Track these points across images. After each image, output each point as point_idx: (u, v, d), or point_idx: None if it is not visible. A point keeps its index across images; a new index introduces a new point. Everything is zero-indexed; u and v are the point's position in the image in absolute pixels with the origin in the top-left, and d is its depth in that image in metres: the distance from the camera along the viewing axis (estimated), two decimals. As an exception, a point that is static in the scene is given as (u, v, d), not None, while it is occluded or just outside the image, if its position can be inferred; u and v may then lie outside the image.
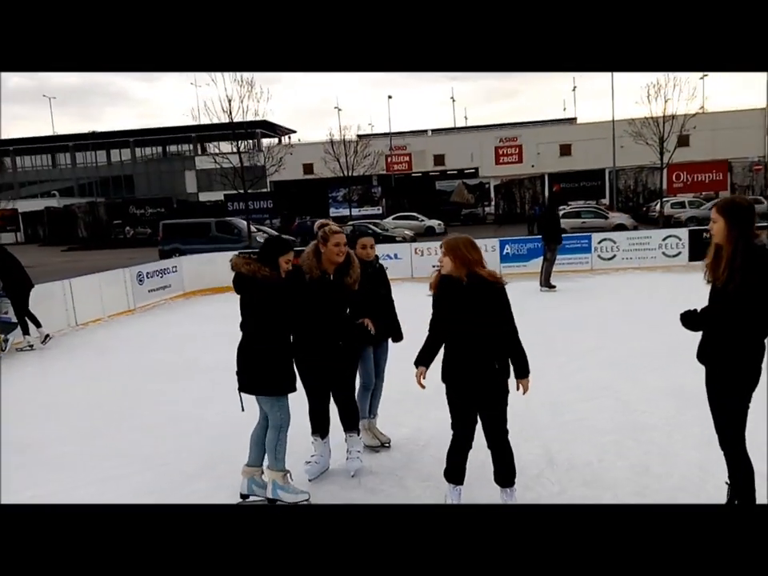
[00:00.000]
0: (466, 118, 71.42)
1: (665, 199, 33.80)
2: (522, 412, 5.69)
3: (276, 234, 27.14)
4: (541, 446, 5.19)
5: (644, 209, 38.59)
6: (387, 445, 5.39)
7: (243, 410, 4.42)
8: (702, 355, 3.59)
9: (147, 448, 5.70)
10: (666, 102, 30.29)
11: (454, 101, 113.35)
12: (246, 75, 22.44)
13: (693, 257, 14.85)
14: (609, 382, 6.78)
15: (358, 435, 5.01)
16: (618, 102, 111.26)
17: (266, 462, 4.45)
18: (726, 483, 3.62)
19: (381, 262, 5.29)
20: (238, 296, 4.34)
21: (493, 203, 45.70)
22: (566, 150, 57.80)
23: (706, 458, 4.66)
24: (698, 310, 3.58)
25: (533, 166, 55.38)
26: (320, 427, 4.95)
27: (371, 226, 29.22)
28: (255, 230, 25.04)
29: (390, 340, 5.28)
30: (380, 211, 43.92)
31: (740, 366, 3.39)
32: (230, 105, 22.72)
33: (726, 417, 3.50)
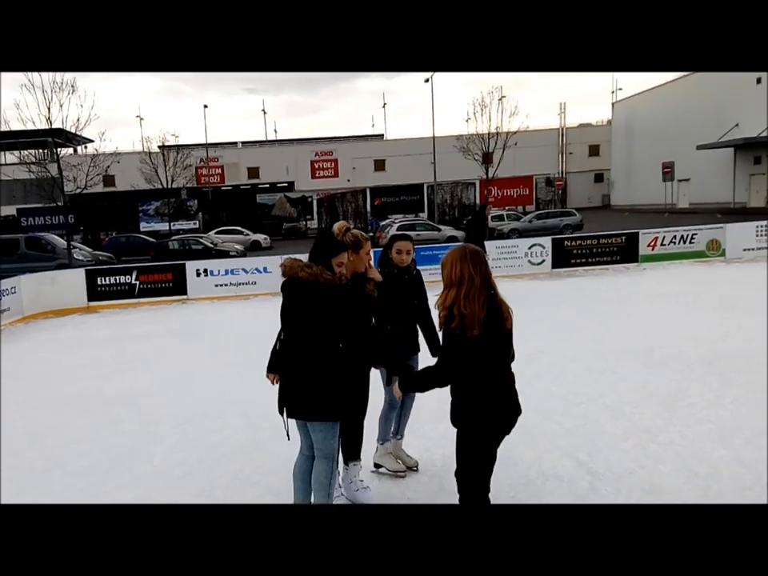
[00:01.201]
0: (276, 132, 71.58)
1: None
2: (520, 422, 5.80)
3: (90, 250, 24.91)
4: (567, 456, 5.13)
5: (464, 222, 41.62)
6: (415, 468, 5.02)
7: (289, 438, 4.03)
8: None
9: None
10: (490, 119, 33.18)
11: (265, 113, 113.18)
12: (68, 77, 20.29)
13: (555, 264, 16.07)
14: (576, 386, 6.90)
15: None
16: (424, 119, 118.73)
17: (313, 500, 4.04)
18: None
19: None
20: (282, 303, 3.91)
21: (316, 217, 46.30)
22: (380, 165, 60.45)
23: (736, 453, 4.92)
24: None
25: (348, 180, 57.19)
26: (358, 450, 4.63)
27: (202, 240, 28.02)
28: (73, 247, 22.78)
29: (419, 354, 4.89)
30: (196, 225, 42.39)
31: None
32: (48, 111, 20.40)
33: None
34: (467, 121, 33.98)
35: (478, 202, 39.50)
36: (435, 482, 4.84)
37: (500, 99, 34.56)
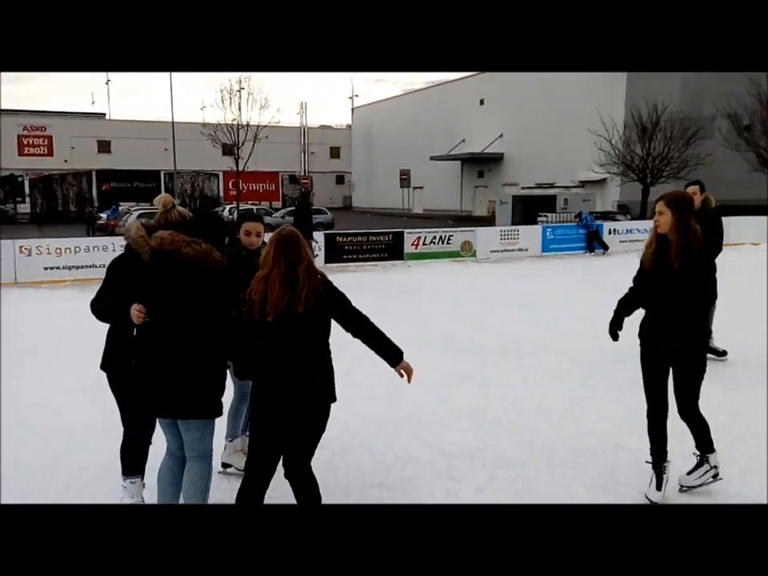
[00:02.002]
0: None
1: (229, 206, 35.97)
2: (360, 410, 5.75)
3: None
4: (415, 439, 5.22)
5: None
6: None
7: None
8: (664, 334, 3.96)
9: None
10: (239, 108, 32.54)
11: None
12: None
13: (328, 259, 16.04)
14: (394, 374, 6.92)
15: None
16: (159, 101, 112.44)
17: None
18: (695, 454, 4.17)
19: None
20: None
21: (29, 200, 41.11)
22: (104, 146, 55.97)
23: (556, 426, 5.41)
24: (630, 297, 4.18)
25: (66, 161, 51.94)
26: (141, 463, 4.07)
27: None
28: None
29: None
30: None
31: (706, 334, 4.27)
32: None
33: (698, 385, 4.02)
34: (203, 109, 33.06)
35: (221, 194, 38.69)
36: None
37: (239, 90, 34.00)
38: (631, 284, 4.28)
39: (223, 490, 4.36)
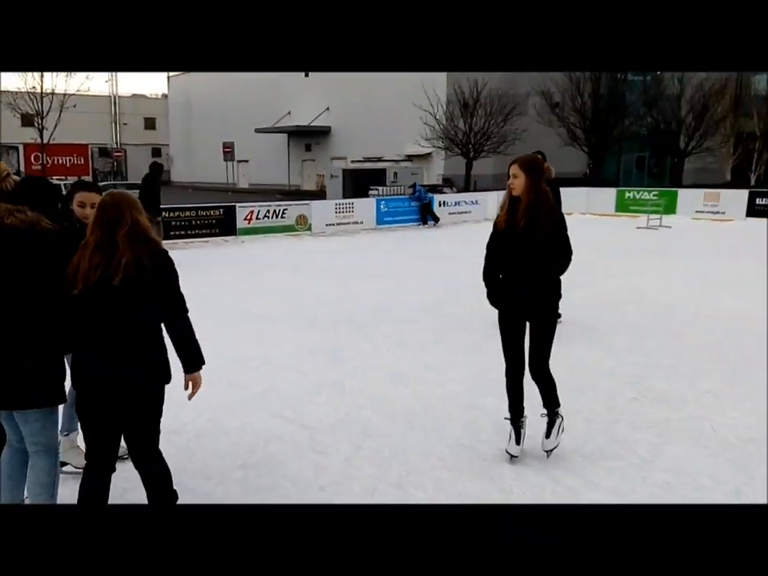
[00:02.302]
0: None
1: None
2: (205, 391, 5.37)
3: None
4: (275, 417, 5.09)
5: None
6: None
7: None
8: (517, 294, 4.07)
9: None
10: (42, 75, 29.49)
11: None
12: None
13: None
14: (244, 350, 6.80)
15: None
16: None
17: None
18: (544, 415, 4.28)
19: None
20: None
21: None
22: None
23: (413, 389, 5.55)
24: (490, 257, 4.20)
25: None
26: None
27: None
28: None
29: None
30: None
31: (557, 294, 4.22)
32: None
33: (549, 344, 4.16)
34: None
35: (22, 169, 35.08)
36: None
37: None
38: (484, 252, 4.34)
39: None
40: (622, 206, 21.20)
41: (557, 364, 4.38)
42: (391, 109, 37.59)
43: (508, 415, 4.33)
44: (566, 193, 23.34)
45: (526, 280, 4.08)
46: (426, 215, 19.93)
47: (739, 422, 4.78)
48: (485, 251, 4.30)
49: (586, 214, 21.54)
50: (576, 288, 9.35)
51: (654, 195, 20.41)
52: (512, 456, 4.31)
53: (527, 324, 4.22)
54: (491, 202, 21.56)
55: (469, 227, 19.67)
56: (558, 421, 4.30)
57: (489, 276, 4.29)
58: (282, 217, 17.38)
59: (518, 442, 4.31)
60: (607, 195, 21.94)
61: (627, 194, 21.44)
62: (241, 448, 4.62)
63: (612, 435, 4.63)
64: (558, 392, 4.34)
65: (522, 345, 4.22)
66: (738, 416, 4.87)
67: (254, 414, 5.19)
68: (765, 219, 16.71)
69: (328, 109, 43.20)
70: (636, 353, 6.49)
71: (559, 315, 7.48)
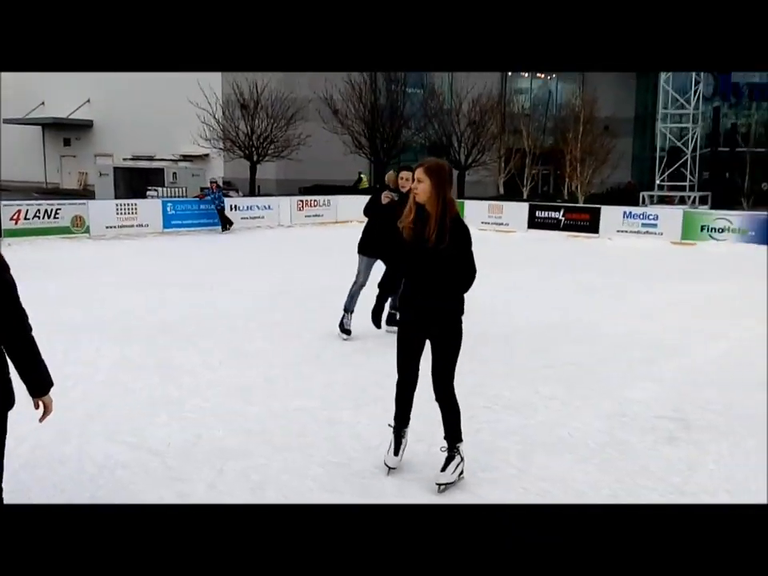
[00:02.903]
0: None
1: None
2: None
3: None
4: (113, 442, 4.56)
5: None
6: None
7: None
8: (420, 306, 3.92)
9: None
10: None
11: None
12: None
13: None
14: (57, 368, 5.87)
15: None
16: None
17: None
18: (443, 448, 4.06)
19: None
20: None
21: None
22: None
23: (265, 406, 5.24)
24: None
25: None
26: None
27: None
28: None
29: None
30: None
31: (461, 309, 3.99)
32: None
33: (454, 361, 3.98)
34: None
35: None
36: None
37: None
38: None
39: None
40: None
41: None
42: (162, 104, 35.80)
43: (392, 423, 4.26)
44: (358, 201, 23.97)
45: (429, 292, 3.95)
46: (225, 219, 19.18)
47: (590, 426, 5.06)
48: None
49: (377, 221, 22.34)
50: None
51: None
52: (390, 468, 4.22)
53: (427, 341, 4.08)
54: (284, 207, 21.51)
55: (264, 233, 19.39)
56: (457, 459, 4.07)
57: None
58: (54, 217, 15.70)
59: (396, 452, 4.24)
60: (397, 203, 22.89)
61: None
62: (83, 479, 4.05)
63: (480, 445, 4.65)
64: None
65: (418, 358, 4.11)
66: (588, 421, 5.14)
67: (88, 440, 4.58)
68: (544, 231, 18.65)
69: (89, 101, 40.04)
70: (473, 361, 6.76)
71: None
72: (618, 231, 18.32)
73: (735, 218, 16.90)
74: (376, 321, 7.27)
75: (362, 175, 30.53)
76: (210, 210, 19.24)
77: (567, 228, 18.88)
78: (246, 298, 9.63)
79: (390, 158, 30.89)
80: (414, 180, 3.92)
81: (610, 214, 18.78)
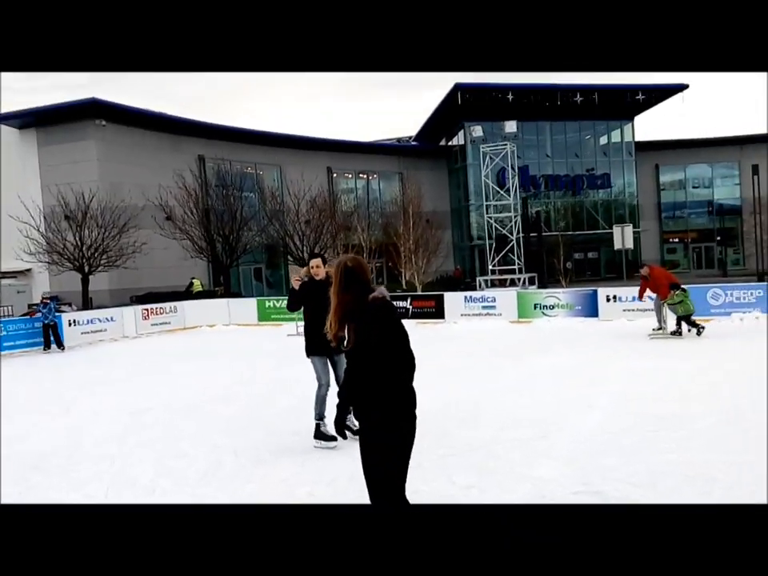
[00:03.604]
0: None
1: None
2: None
3: None
4: None
5: None
6: None
7: None
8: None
9: None
10: None
11: None
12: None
13: None
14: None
15: None
16: None
17: None
18: None
19: None
20: None
21: None
22: None
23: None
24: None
25: None
26: None
27: None
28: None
29: None
30: None
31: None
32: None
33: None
34: None
35: None
36: None
37: None
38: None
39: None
40: (264, 316, 21.97)
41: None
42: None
43: None
44: (206, 305, 23.31)
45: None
46: (50, 338, 17.39)
47: None
48: None
49: (230, 324, 21.76)
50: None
51: (291, 303, 21.61)
52: None
53: None
54: (128, 317, 20.35)
55: (108, 347, 18.11)
56: None
57: None
58: None
59: None
60: (247, 305, 22.57)
61: (267, 303, 22.32)
62: None
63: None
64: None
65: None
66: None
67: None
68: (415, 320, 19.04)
69: None
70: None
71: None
72: (461, 315, 19.20)
73: (562, 295, 18.39)
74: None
75: (193, 279, 29.61)
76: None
77: (415, 316, 19.47)
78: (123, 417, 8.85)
79: (232, 260, 30.53)
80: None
81: (452, 300, 19.70)
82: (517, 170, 32.59)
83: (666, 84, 40.82)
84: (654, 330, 14.12)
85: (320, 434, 6.87)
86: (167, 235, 29.42)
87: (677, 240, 49.95)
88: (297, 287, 7.03)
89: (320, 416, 6.94)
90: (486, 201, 31.51)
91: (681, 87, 40.60)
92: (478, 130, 31.64)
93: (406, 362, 3.54)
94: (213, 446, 7.17)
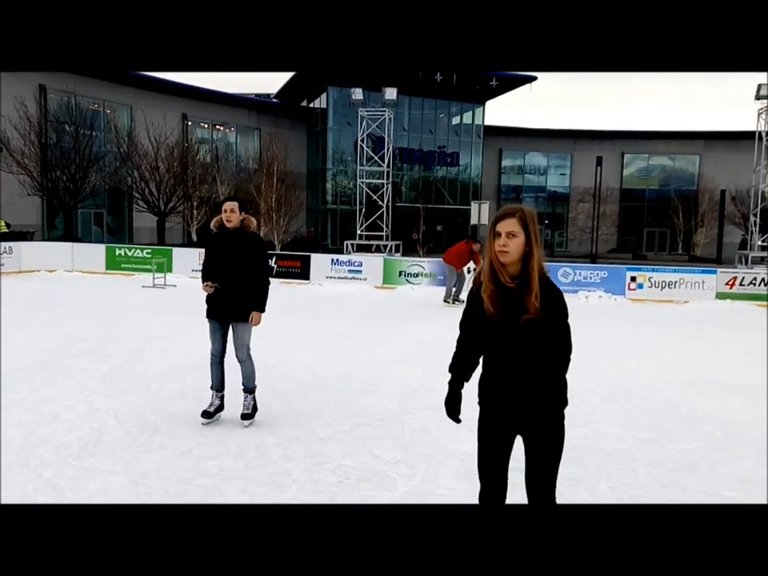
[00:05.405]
0: None
1: None
2: None
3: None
4: None
5: None
6: None
7: None
8: (516, 403, 2.88)
9: None
10: None
11: None
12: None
13: None
14: None
15: None
16: None
17: None
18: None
19: None
20: None
21: None
22: None
23: None
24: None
25: None
26: None
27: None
28: None
29: None
30: None
31: (563, 408, 2.96)
32: None
33: (556, 471, 2.94)
34: None
35: None
36: None
37: None
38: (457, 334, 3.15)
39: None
40: (113, 264, 20.11)
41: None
42: None
43: None
44: (45, 248, 21.33)
45: (521, 379, 2.92)
46: None
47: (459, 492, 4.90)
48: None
49: (73, 271, 19.75)
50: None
51: (147, 253, 19.98)
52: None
53: (518, 434, 3.05)
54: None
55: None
56: None
57: (456, 367, 3.18)
58: None
59: None
60: (94, 251, 20.54)
61: (118, 251, 20.44)
62: None
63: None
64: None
65: (507, 463, 3.06)
66: (450, 485, 4.99)
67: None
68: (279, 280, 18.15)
69: None
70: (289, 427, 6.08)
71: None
72: (327, 277, 18.75)
73: (427, 264, 18.47)
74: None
75: None
76: None
77: (279, 275, 18.71)
78: None
79: (76, 201, 27.69)
80: (498, 236, 2.85)
81: (319, 261, 19.16)
82: (393, 138, 32.23)
83: (518, 74, 42.41)
84: (453, 302, 14.81)
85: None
86: (3, 168, 26.04)
87: (511, 221, 52.71)
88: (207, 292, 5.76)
89: (212, 386, 5.93)
90: (360, 165, 30.92)
91: (530, 78, 42.31)
92: (358, 93, 30.75)
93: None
94: (91, 408, 6.21)
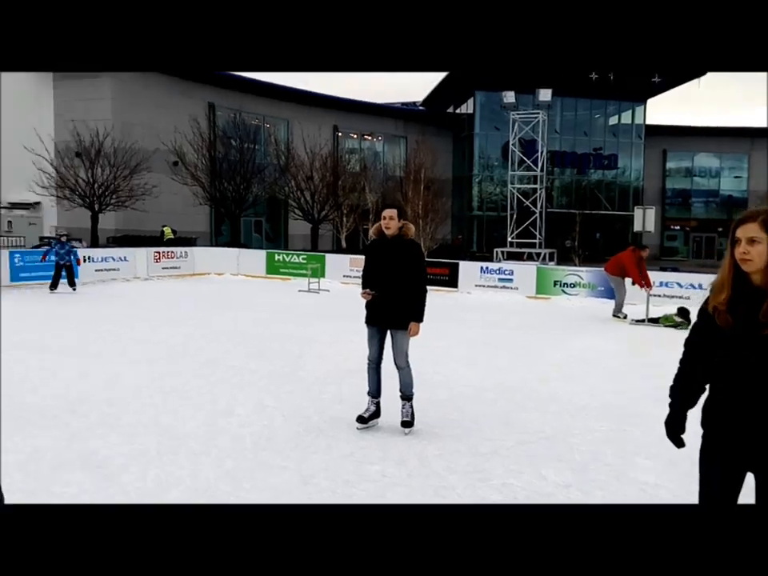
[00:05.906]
0: None
1: None
2: None
3: None
4: None
5: None
6: None
7: None
8: (755, 435, 2.54)
9: None
10: None
11: None
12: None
13: None
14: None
15: None
16: None
17: None
18: None
19: None
20: None
21: None
22: None
23: None
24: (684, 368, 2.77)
25: None
26: None
27: None
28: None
29: None
30: None
31: None
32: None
33: None
34: None
35: None
36: None
37: None
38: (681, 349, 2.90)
39: None
40: (273, 269, 21.23)
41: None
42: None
43: None
44: (216, 254, 22.71)
45: (760, 405, 2.54)
46: (59, 277, 15.74)
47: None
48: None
49: (238, 274, 21.09)
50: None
51: (302, 259, 20.88)
52: None
53: (749, 469, 2.68)
54: (140, 258, 19.61)
55: (121, 286, 17.36)
56: None
57: (684, 390, 2.85)
58: None
59: None
60: (256, 257, 21.81)
61: (277, 257, 21.55)
62: None
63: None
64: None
65: (735, 501, 2.74)
66: None
67: None
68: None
69: None
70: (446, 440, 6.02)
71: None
72: (476, 285, 18.54)
73: (585, 273, 17.64)
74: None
75: (164, 228, 27.93)
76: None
77: (428, 282, 18.73)
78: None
79: (241, 210, 29.61)
80: (737, 242, 2.57)
81: (467, 269, 19.01)
82: (546, 141, 31.36)
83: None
84: (623, 317, 13.69)
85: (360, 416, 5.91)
86: (178, 180, 28.40)
87: (677, 227, 49.20)
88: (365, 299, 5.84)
89: (369, 392, 5.97)
90: (512, 170, 30.41)
91: (697, 72, 39.44)
92: (510, 96, 30.15)
93: None
94: (260, 405, 6.53)
